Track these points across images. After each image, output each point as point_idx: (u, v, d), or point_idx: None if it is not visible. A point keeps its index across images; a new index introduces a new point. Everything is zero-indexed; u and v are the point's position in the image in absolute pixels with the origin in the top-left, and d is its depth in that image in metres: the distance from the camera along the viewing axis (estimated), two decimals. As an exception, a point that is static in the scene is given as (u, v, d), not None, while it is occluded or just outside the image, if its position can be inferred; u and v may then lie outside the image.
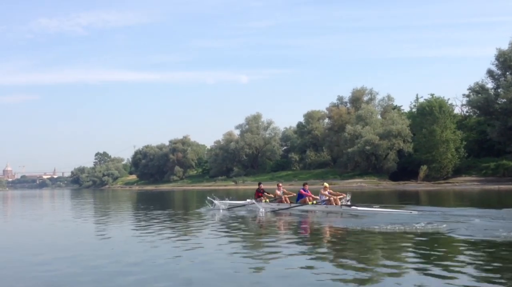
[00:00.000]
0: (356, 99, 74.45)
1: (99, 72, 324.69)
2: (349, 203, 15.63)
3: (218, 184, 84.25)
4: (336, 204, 15.94)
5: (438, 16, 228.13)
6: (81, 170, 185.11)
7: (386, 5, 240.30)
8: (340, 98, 77.08)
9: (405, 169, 65.80)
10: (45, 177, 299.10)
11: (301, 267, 6.58)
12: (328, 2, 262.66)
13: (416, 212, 14.29)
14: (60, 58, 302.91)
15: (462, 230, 9.98)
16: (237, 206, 18.31)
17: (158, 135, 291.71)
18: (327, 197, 16.36)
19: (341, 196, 16.15)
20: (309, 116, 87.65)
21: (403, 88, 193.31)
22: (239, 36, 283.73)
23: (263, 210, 16.30)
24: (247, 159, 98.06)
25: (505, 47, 55.39)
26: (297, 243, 9.15)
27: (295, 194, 17.92)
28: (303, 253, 7.93)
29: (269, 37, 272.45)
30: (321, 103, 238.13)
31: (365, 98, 75.05)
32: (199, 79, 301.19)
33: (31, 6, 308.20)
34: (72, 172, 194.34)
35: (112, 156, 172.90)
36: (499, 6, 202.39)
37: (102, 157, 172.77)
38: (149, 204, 26.16)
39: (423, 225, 10.87)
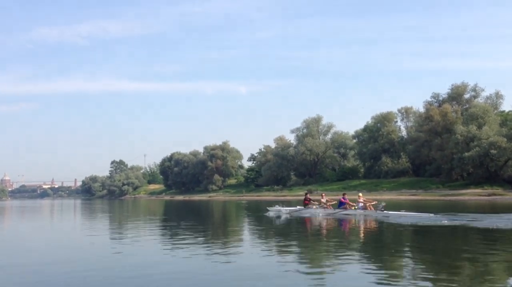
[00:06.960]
0: (458, 95, 63.92)
1: (98, 82, 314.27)
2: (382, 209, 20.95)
3: (285, 194, 72.64)
4: (370, 209, 21.71)
5: (437, 29, 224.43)
6: (93, 179, 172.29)
7: (386, 16, 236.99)
8: (435, 96, 66.33)
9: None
10: (45, 186, 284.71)
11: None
12: (328, 13, 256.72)
13: (433, 215, 17.95)
14: (61, 67, 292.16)
15: None
16: (295, 212, 23.54)
17: (166, 144, 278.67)
18: (363, 204, 22.09)
19: (374, 203, 22.23)
20: (383, 118, 76.77)
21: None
22: (237, 47, 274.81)
23: (320, 214, 22.17)
24: (303, 167, 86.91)
25: None
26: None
27: (336, 202, 23.46)
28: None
29: (270, 48, 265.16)
30: (335, 115, 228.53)
31: (467, 96, 64.58)
32: (197, 90, 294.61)
33: (32, 16, 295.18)
34: (83, 181, 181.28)
35: (129, 165, 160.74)
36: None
37: (118, 166, 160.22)
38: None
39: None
